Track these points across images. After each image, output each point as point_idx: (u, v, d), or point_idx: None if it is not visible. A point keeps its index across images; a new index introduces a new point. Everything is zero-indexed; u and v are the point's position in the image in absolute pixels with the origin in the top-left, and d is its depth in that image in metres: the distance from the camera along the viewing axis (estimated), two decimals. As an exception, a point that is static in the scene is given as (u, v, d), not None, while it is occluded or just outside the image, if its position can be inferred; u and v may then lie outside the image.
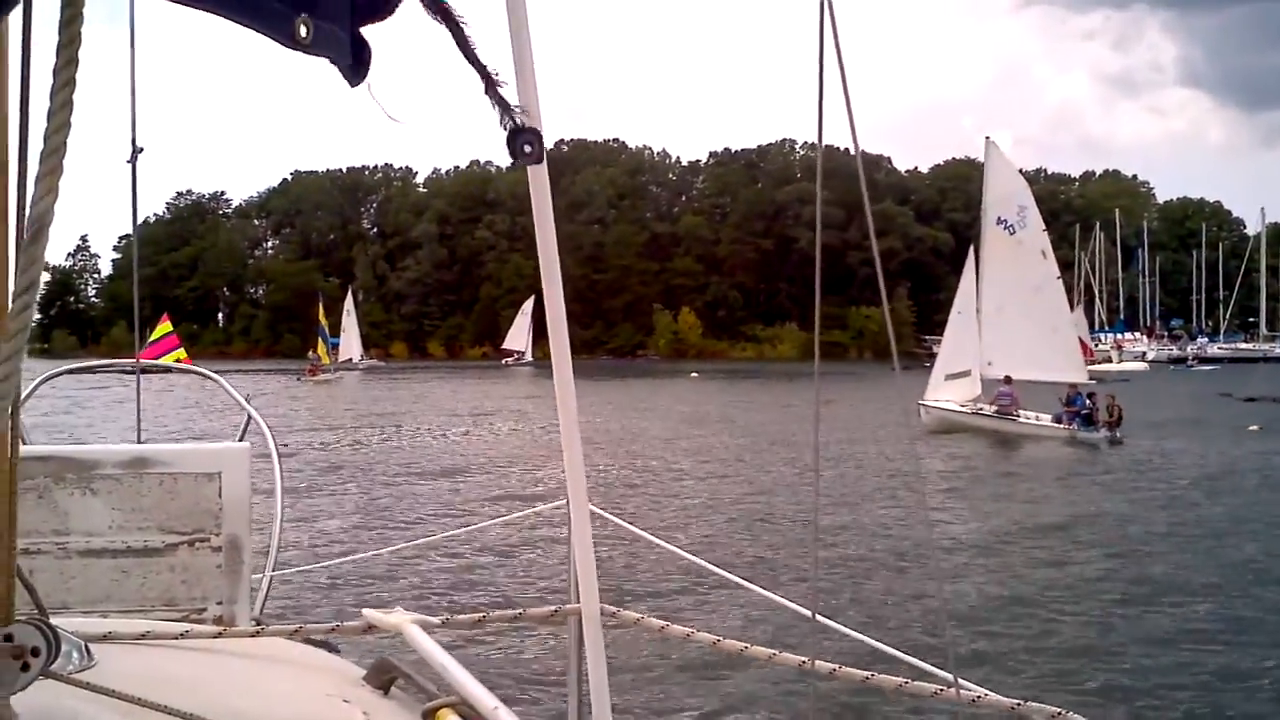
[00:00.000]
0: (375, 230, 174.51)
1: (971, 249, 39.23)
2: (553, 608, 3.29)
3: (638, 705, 9.28)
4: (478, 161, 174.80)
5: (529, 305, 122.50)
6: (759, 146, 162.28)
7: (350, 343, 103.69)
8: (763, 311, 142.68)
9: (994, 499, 22.14)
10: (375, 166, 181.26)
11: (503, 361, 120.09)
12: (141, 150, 4.99)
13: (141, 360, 5.15)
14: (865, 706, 8.90)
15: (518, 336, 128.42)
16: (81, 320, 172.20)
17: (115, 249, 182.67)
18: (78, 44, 1.19)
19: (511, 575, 14.37)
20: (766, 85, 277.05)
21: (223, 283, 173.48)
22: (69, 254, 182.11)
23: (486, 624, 3.23)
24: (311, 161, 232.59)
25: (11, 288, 1.19)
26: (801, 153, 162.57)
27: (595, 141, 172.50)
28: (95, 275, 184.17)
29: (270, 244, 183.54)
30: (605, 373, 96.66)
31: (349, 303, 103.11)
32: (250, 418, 5.27)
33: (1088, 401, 34.77)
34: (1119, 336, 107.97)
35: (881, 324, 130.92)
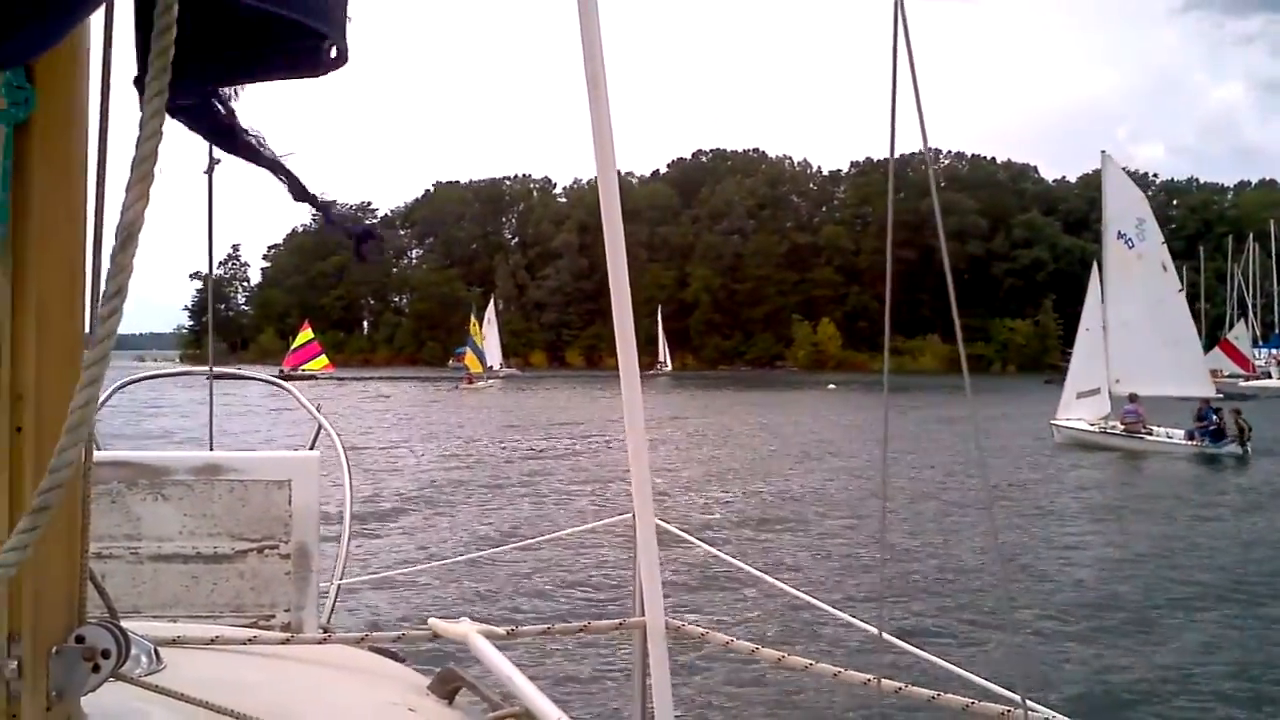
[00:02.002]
0: (516, 240, 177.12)
1: (1095, 264, 38.69)
2: (618, 621, 3.29)
3: (702, 719, 9.20)
4: (618, 172, 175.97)
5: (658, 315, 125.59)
6: (900, 156, 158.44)
7: (491, 351, 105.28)
8: (904, 323, 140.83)
9: (1097, 518, 21.58)
10: (515, 177, 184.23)
11: (654, 370, 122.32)
12: (219, 161, 4.97)
13: (214, 369, 5.17)
14: None
15: (661, 346, 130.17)
16: (231, 327, 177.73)
17: (265, 258, 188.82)
18: (171, 52, 1.20)
19: (578, 587, 14.31)
20: (907, 94, 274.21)
21: (368, 291, 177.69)
22: (220, 263, 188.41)
23: (551, 635, 3.16)
24: (453, 172, 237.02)
25: (104, 290, 1.18)
26: (946, 161, 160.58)
27: (735, 151, 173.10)
28: (245, 283, 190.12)
29: (414, 253, 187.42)
30: (740, 384, 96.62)
31: (490, 311, 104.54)
32: (321, 427, 5.26)
33: (1215, 417, 33.89)
34: (1274, 352, 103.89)
35: (1028, 336, 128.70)
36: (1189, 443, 33.64)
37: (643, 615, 2.72)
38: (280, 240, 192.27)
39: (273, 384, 6.45)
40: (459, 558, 14.29)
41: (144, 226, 1.20)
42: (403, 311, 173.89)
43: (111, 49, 1.33)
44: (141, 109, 1.22)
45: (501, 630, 2.70)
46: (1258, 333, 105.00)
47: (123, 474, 3.62)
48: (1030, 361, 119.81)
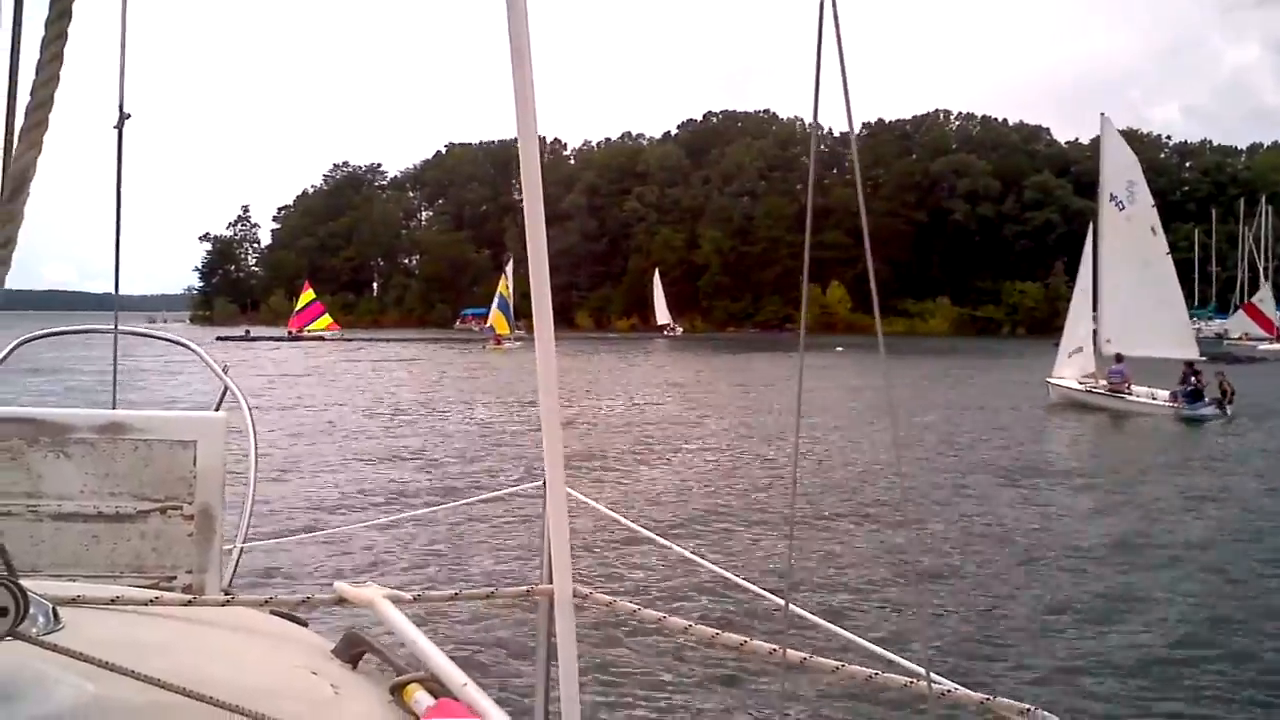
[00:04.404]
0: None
1: (1090, 226, 39.16)
2: (525, 587, 3.22)
3: (606, 687, 9.21)
4: (629, 133, 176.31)
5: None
6: (913, 117, 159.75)
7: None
8: (915, 284, 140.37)
9: (1044, 481, 21.38)
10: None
11: (664, 333, 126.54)
12: (129, 116, 4.87)
13: (119, 327, 5.09)
14: (835, 696, 8.79)
15: (662, 310, 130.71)
16: (241, 289, 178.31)
17: (275, 219, 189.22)
18: None
19: (487, 554, 14.22)
20: (920, 56, 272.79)
21: (378, 253, 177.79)
22: (230, 224, 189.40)
23: (458, 601, 3.13)
24: (464, 134, 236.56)
25: None
26: (956, 123, 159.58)
27: (746, 113, 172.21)
28: (255, 245, 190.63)
29: (424, 215, 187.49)
30: (748, 346, 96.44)
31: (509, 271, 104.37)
32: (227, 388, 5.19)
33: (1194, 379, 34.43)
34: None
35: (1038, 299, 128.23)
36: (1170, 404, 34.25)
37: (550, 582, 2.68)
38: (290, 201, 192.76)
39: (178, 344, 6.29)
40: (366, 522, 14.33)
41: (36, 175, 1.16)
42: (412, 273, 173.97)
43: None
44: (40, 53, 1.19)
45: (408, 595, 2.67)
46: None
47: (24, 431, 3.57)
48: (1041, 324, 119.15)
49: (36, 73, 1.17)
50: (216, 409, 4.77)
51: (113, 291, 5.14)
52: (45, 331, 5.56)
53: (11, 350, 5.05)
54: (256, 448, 5.12)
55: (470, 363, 65.79)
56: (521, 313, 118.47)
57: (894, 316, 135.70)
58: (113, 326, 5.09)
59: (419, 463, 22.55)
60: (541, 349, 2.11)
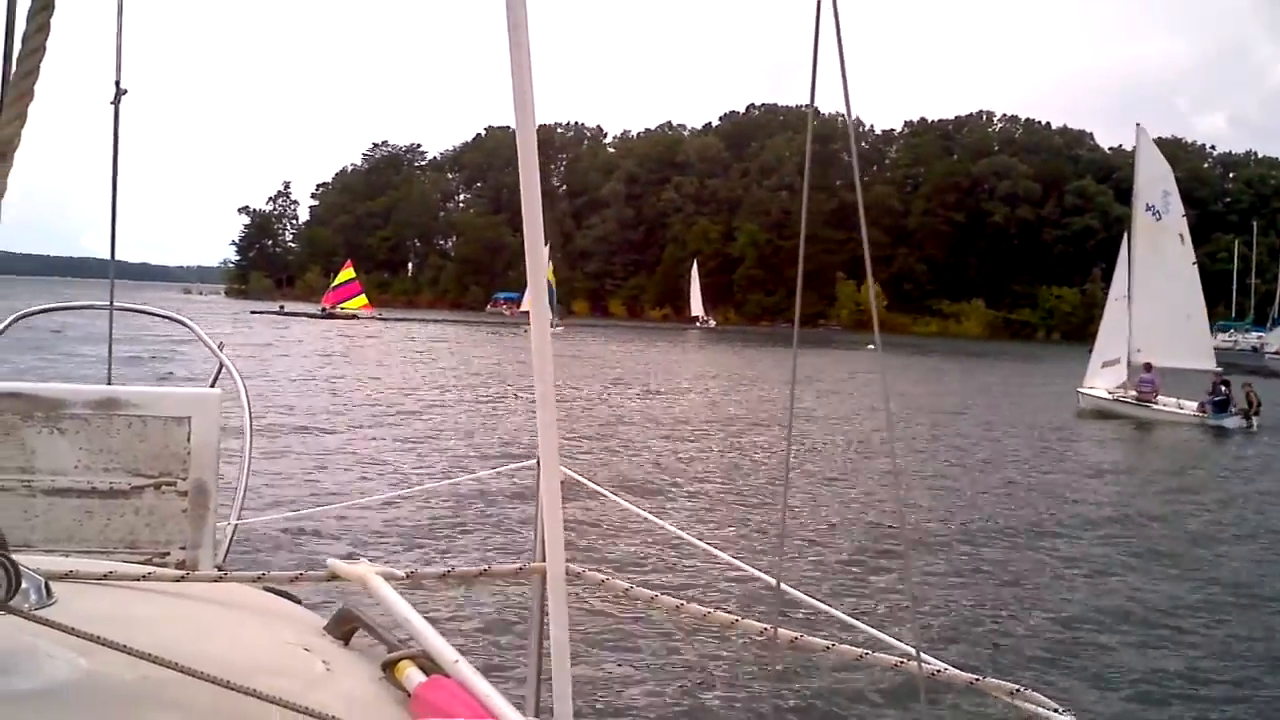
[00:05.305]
0: (564, 188, 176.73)
1: (1125, 234, 39.37)
2: (518, 565, 3.20)
3: (599, 665, 9.25)
4: (669, 123, 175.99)
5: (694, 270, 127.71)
6: (956, 118, 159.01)
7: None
8: (950, 285, 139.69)
9: (1044, 481, 21.40)
10: (567, 124, 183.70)
11: (697, 324, 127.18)
12: (125, 92, 4.87)
13: (114, 303, 5.10)
14: (826, 676, 8.87)
15: (697, 301, 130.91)
16: (278, 264, 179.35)
17: (313, 196, 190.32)
18: None
19: (480, 532, 14.25)
20: (966, 56, 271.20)
21: (414, 233, 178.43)
22: (269, 199, 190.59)
23: (451, 578, 3.09)
24: (505, 117, 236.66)
25: None
26: (1000, 125, 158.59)
27: (787, 107, 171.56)
28: (294, 221, 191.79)
29: (462, 197, 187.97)
30: (780, 340, 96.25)
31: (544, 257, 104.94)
32: (222, 364, 5.21)
33: (1224, 389, 34.66)
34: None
35: (1075, 305, 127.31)
36: (1197, 413, 34.48)
37: (543, 560, 2.60)
38: (330, 179, 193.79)
39: (174, 320, 6.32)
40: (361, 500, 14.39)
41: (20, 145, 1.16)
42: (448, 255, 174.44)
43: None
44: (26, 23, 1.19)
45: (400, 573, 2.63)
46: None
47: (18, 406, 3.59)
48: (1076, 330, 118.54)
49: (23, 44, 1.18)
50: (212, 385, 4.80)
51: (112, 260, 5.17)
52: (41, 308, 5.60)
53: (6, 326, 5.13)
54: (252, 424, 5.12)
55: (509, 346, 65.68)
56: (559, 299, 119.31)
57: (929, 317, 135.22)
58: (108, 302, 5.11)
59: (428, 443, 22.47)
60: (536, 329, 2.13)
